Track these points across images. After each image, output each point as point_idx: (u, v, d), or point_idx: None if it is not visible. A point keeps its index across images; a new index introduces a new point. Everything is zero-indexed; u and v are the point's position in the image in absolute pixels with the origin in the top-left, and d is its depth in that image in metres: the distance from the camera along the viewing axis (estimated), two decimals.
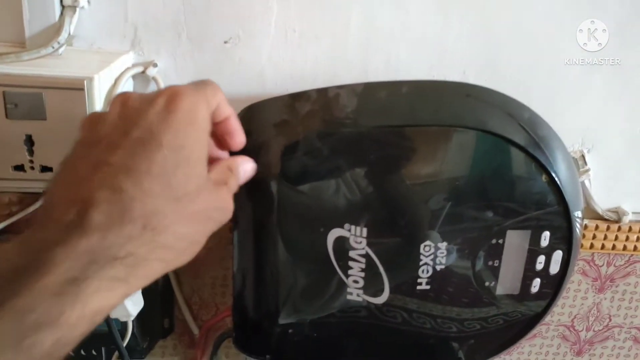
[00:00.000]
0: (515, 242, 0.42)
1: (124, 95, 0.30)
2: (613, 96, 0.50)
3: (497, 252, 0.42)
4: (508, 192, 0.41)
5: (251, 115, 0.41)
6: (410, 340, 0.46)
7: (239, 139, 0.35)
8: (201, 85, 0.32)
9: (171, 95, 0.29)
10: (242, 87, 0.47)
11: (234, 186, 0.34)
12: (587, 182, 0.53)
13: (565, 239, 0.43)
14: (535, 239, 0.42)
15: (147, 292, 0.49)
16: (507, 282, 0.44)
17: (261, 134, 0.40)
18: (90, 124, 0.30)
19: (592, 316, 0.60)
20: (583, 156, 0.52)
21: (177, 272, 0.52)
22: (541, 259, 0.43)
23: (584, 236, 0.55)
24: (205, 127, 0.31)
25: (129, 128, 0.28)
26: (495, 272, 0.43)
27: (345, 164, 0.40)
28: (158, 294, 0.52)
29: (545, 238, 0.42)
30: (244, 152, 0.38)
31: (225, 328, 0.48)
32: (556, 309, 0.59)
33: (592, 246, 0.55)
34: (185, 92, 0.30)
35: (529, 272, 0.43)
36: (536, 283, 0.44)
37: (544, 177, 0.41)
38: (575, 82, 0.50)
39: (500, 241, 0.42)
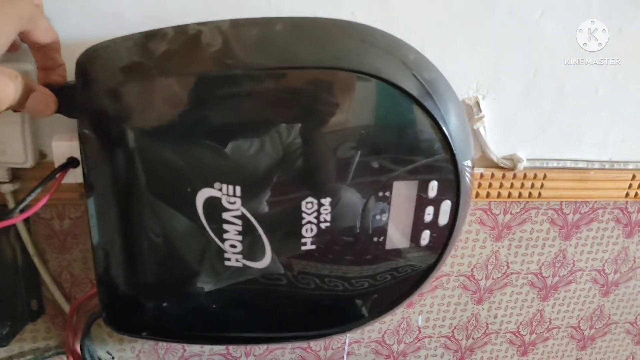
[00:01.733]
0: (402, 193, 0.40)
1: None
2: (507, 40, 0.49)
3: (384, 204, 0.40)
4: (393, 141, 0.38)
5: (95, 57, 0.35)
6: (301, 303, 0.43)
7: None
8: None
9: None
10: (95, 28, 0.40)
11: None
12: (481, 130, 0.51)
13: (454, 189, 0.41)
14: (422, 190, 0.40)
15: (2, 272, 0.43)
16: (396, 235, 0.41)
17: (107, 80, 0.34)
18: None
19: (491, 264, 0.60)
20: (478, 102, 0.50)
21: (40, 249, 0.46)
22: (430, 210, 0.41)
23: (479, 185, 0.54)
24: None
25: None
26: (383, 226, 0.41)
27: (209, 113, 0.35)
28: (18, 274, 0.45)
29: (433, 188, 0.40)
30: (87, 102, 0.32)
31: (98, 306, 0.43)
32: (455, 259, 0.59)
33: (488, 195, 0.55)
34: None
35: (418, 224, 0.41)
36: (425, 235, 0.42)
37: (431, 125, 0.38)
38: (469, 26, 0.47)
39: (387, 193, 0.39)
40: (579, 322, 0.69)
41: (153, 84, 0.34)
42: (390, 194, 0.40)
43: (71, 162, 0.38)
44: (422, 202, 0.41)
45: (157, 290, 0.40)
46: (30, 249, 0.45)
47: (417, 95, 0.37)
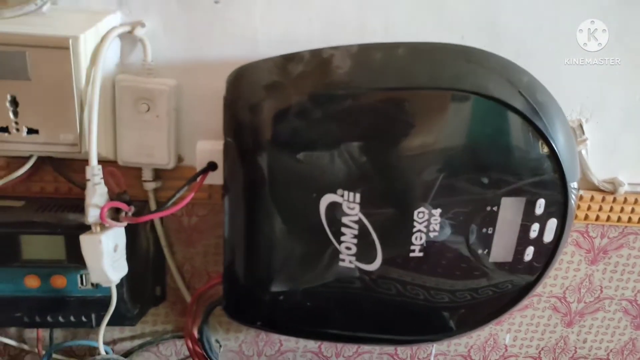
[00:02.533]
0: (509, 209, 0.42)
1: None
2: (614, 64, 0.49)
3: (491, 219, 0.42)
4: (504, 159, 0.41)
5: (241, 77, 0.40)
6: (401, 310, 0.45)
7: None
8: None
9: None
10: (234, 49, 0.46)
11: None
12: (584, 152, 0.52)
13: (560, 208, 0.42)
14: (530, 207, 0.42)
15: (137, 260, 0.48)
16: (500, 249, 0.43)
17: (251, 96, 0.39)
18: None
19: (584, 288, 0.60)
20: (581, 125, 0.51)
21: (170, 241, 0.52)
22: (535, 227, 0.43)
23: (578, 207, 0.54)
24: None
25: None
26: (488, 240, 0.43)
27: (338, 127, 0.39)
28: (149, 262, 0.51)
29: (540, 206, 0.42)
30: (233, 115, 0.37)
31: (217, 296, 0.48)
32: (548, 280, 0.59)
33: (586, 217, 0.55)
34: None
35: (523, 240, 0.43)
36: (529, 251, 0.43)
37: (541, 145, 0.40)
38: (575, 50, 0.49)
39: (495, 208, 0.42)
40: None
41: (290, 100, 0.39)
42: (498, 208, 0.42)
43: (211, 166, 0.43)
44: (528, 218, 0.42)
45: (273, 285, 0.44)
46: (162, 241, 0.51)
47: (528, 114, 0.40)
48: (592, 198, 0.54)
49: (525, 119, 0.39)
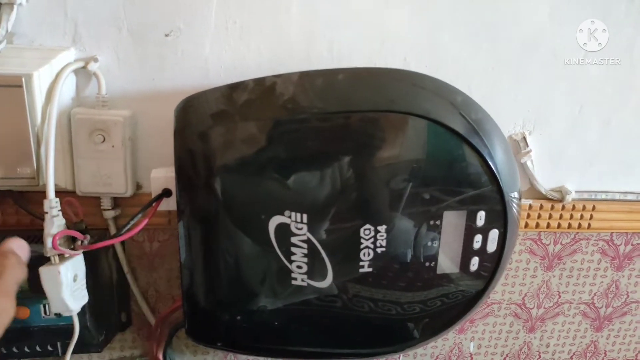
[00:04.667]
0: (452, 222, 0.44)
1: None
2: (552, 80, 0.52)
3: (435, 233, 0.44)
4: (443, 174, 0.43)
5: (189, 107, 0.42)
6: (357, 323, 0.47)
7: None
8: None
9: None
10: (186, 79, 0.48)
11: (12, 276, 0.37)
12: (529, 163, 0.54)
13: (501, 218, 0.44)
14: (471, 219, 0.44)
15: (100, 287, 0.50)
16: (446, 261, 0.45)
17: (199, 125, 0.41)
18: None
19: (542, 293, 0.62)
20: (524, 138, 0.54)
21: (133, 267, 0.53)
22: (478, 238, 0.44)
23: (528, 216, 0.56)
24: None
25: None
26: (434, 252, 0.44)
27: (283, 152, 0.41)
28: (113, 289, 0.52)
29: (481, 218, 0.44)
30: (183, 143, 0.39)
31: (181, 319, 0.49)
32: (507, 287, 0.61)
33: (537, 225, 0.57)
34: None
35: (467, 251, 0.45)
36: (475, 261, 0.45)
37: (476, 159, 0.42)
38: (514, 68, 0.51)
39: (438, 222, 0.43)
40: (636, 355, 0.68)
41: (236, 127, 0.41)
42: (441, 222, 0.44)
43: (165, 193, 0.45)
44: (471, 230, 0.44)
45: (231, 305, 0.45)
46: (125, 267, 0.52)
47: (464, 133, 0.42)
48: (541, 207, 0.56)
49: (461, 136, 0.42)
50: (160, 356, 0.51)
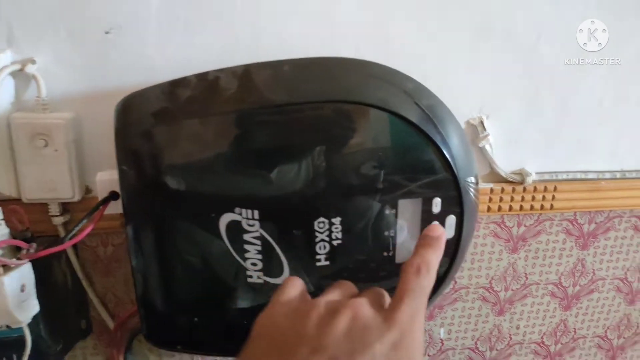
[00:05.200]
0: (408, 210, 0.43)
1: (358, 309, 0.29)
2: (506, 64, 0.52)
3: (391, 222, 0.43)
4: (396, 163, 0.42)
5: (129, 105, 0.40)
6: None
7: None
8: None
9: (403, 334, 0.29)
10: (130, 78, 0.46)
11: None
12: (487, 147, 0.54)
13: (457, 204, 0.44)
14: (427, 206, 0.43)
15: (54, 296, 0.48)
16: (404, 250, 0.44)
17: (141, 124, 0.39)
18: (318, 318, 0.29)
19: (509, 276, 0.62)
20: (482, 122, 0.53)
21: (87, 274, 0.51)
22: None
23: (490, 200, 0.56)
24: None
25: (354, 352, 0.27)
26: (391, 242, 0.44)
27: (229, 148, 0.40)
28: (69, 296, 0.51)
29: (437, 204, 0.43)
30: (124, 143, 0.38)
31: (140, 323, 0.48)
32: (473, 272, 0.61)
33: (500, 209, 0.57)
34: (418, 334, 0.30)
35: None
36: None
37: (428, 146, 0.41)
38: (468, 53, 0.51)
39: (393, 211, 0.43)
40: (605, 331, 0.69)
41: (179, 125, 0.39)
42: (397, 211, 0.43)
43: (112, 195, 0.43)
44: (427, 217, 0.44)
45: (187, 307, 0.44)
46: (80, 274, 0.50)
47: (416, 120, 0.41)
48: (502, 190, 0.56)
49: (413, 124, 0.41)
50: None
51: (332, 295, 0.32)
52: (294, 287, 0.33)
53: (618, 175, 0.59)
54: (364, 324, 0.29)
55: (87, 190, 0.48)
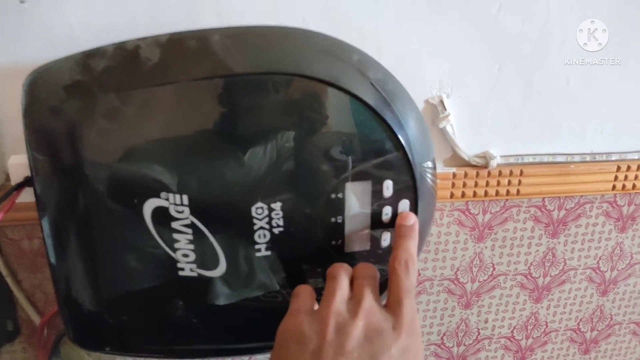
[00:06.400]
0: (356, 194, 0.39)
1: (370, 316, 0.33)
2: (465, 37, 0.48)
3: (338, 207, 0.39)
4: (342, 143, 0.38)
5: (38, 79, 0.36)
6: (261, 314, 0.42)
7: None
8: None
9: (410, 336, 0.32)
10: (51, 51, 0.41)
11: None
12: (449, 128, 0.51)
13: (411, 187, 0.40)
14: (377, 189, 0.40)
15: None
16: (354, 238, 0.41)
17: (51, 99, 0.35)
18: (337, 325, 0.32)
19: (475, 267, 0.59)
20: (442, 101, 0.50)
21: (13, 269, 0.47)
22: (387, 210, 0.40)
23: (453, 185, 0.53)
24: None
25: (376, 355, 0.31)
26: (340, 229, 0.40)
27: (153, 124, 0.36)
28: None
29: (388, 188, 0.40)
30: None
31: None
32: (437, 263, 0.57)
33: (464, 195, 0.54)
34: (419, 331, 0.33)
35: (377, 226, 0.41)
36: (386, 236, 0.41)
37: (376, 123, 0.38)
38: (424, 25, 0.47)
39: (340, 195, 0.39)
40: (578, 324, 0.66)
41: (94, 100, 0.35)
42: (344, 195, 0.39)
43: (28, 181, 0.39)
44: (378, 202, 0.40)
45: (115, 305, 0.40)
46: (3, 270, 0.46)
47: (363, 95, 0.37)
48: (466, 174, 0.53)
49: (359, 99, 0.37)
50: None
51: (338, 292, 0.34)
52: (307, 294, 0.36)
53: (588, 158, 0.56)
54: (377, 330, 0.32)
55: (8, 178, 0.44)
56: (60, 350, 0.44)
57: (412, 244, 0.37)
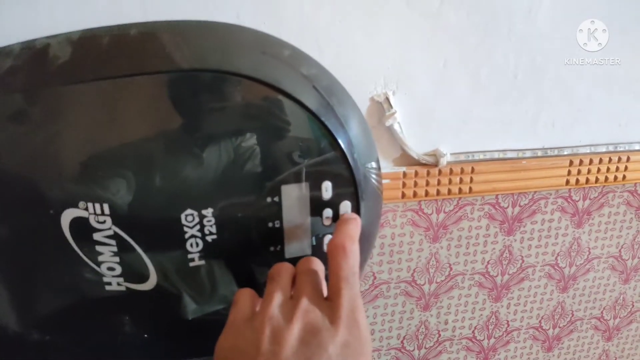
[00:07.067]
0: (293, 196, 0.37)
1: (306, 316, 0.31)
2: (408, 32, 0.47)
3: (275, 211, 0.37)
4: (275, 144, 0.36)
5: None
6: (201, 327, 0.40)
7: None
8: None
9: (350, 329, 0.30)
10: None
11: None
12: (396, 126, 0.49)
13: (351, 188, 0.38)
14: (316, 191, 0.38)
15: None
16: (294, 243, 0.39)
17: None
18: (272, 332, 0.30)
19: (432, 267, 0.57)
20: (387, 99, 0.48)
21: None
22: (328, 212, 0.39)
23: (404, 185, 0.51)
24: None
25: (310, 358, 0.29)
26: (278, 234, 0.38)
27: (64, 128, 0.33)
28: None
29: (327, 189, 0.38)
30: None
31: None
32: (393, 265, 0.56)
33: (415, 194, 0.52)
34: (362, 322, 0.31)
35: (317, 229, 0.39)
36: (328, 240, 0.39)
37: (309, 122, 0.36)
38: (365, 20, 0.46)
39: (276, 199, 0.37)
40: (539, 321, 0.65)
41: None
42: (280, 198, 0.37)
43: None
44: (317, 204, 0.38)
45: (36, 324, 0.37)
46: None
47: (295, 93, 0.35)
48: (416, 174, 0.51)
49: (291, 98, 0.35)
50: None
51: (276, 295, 0.32)
52: (245, 301, 0.33)
53: (539, 153, 0.55)
54: (314, 330, 0.30)
55: None
56: None
57: (351, 226, 0.35)
